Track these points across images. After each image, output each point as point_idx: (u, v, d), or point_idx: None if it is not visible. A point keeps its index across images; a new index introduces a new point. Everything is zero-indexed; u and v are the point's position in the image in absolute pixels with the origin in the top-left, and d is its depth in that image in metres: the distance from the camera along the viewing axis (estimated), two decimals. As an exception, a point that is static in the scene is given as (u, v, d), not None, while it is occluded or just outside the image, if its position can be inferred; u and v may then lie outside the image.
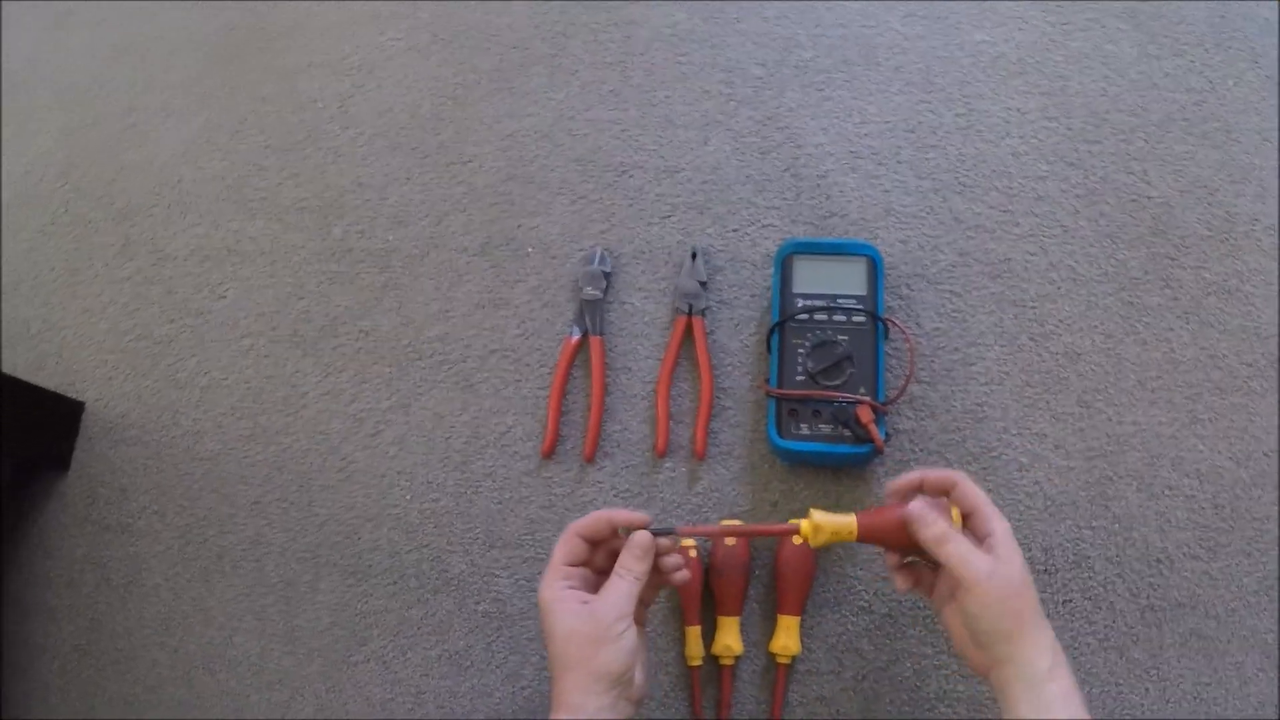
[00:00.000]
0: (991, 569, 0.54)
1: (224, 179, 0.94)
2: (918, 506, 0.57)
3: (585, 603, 0.57)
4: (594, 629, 0.55)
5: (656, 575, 0.61)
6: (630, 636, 0.56)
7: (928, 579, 0.61)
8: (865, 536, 0.58)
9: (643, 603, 0.60)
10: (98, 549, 0.84)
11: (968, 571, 0.54)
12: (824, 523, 0.58)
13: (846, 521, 0.58)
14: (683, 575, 0.61)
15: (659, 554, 0.60)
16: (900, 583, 0.61)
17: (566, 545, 0.60)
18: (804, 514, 0.72)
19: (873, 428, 0.69)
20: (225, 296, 0.89)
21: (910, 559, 0.61)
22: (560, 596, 0.57)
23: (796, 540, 0.60)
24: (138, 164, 0.97)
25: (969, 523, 0.58)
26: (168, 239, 0.92)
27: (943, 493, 0.60)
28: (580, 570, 0.60)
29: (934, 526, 0.56)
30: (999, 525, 0.56)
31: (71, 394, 0.88)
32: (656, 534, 0.59)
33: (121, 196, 0.96)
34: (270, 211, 0.91)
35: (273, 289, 0.88)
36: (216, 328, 0.88)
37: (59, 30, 1.07)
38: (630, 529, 0.59)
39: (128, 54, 1.03)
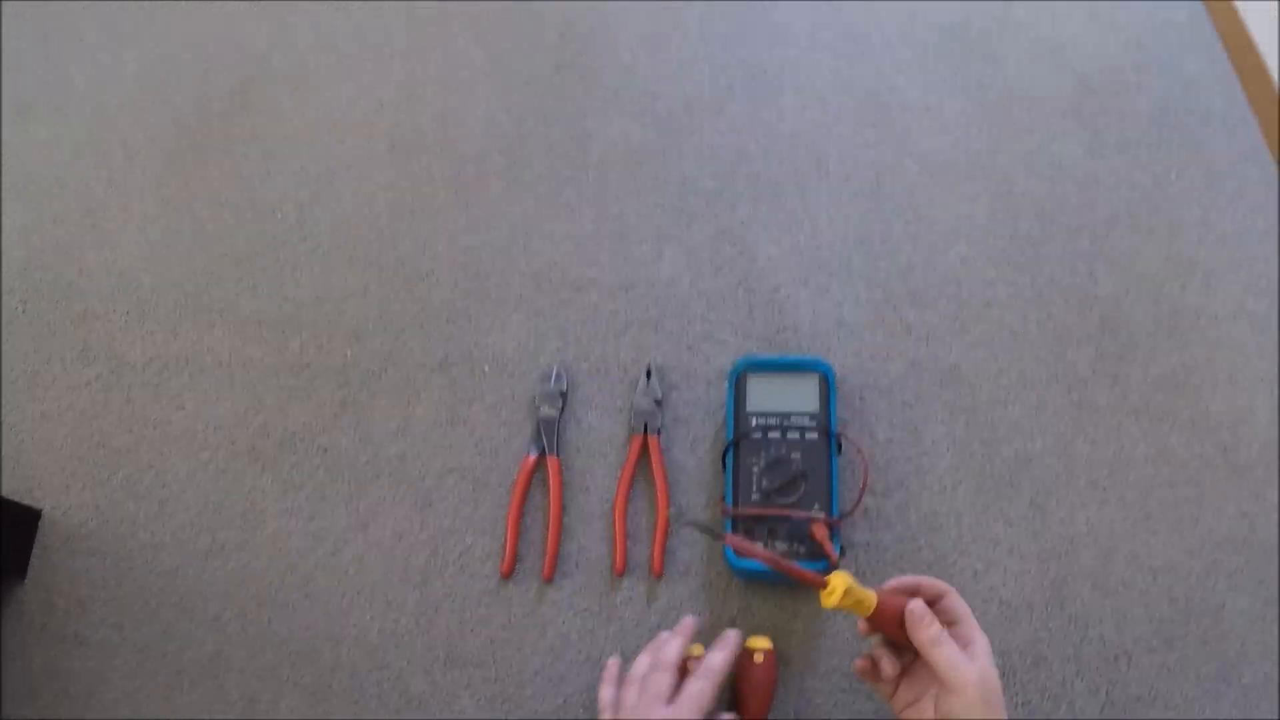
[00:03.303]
0: (980, 675, 0.57)
1: (182, 286, 0.93)
2: (919, 605, 0.60)
3: None
4: None
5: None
6: None
7: (889, 682, 0.63)
8: (876, 616, 0.61)
9: None
10: (56, 660, 0.83)
11: (957, 675, 0.57)
12: (852, 587, 0.59)
13: (868, 595, 0.60)
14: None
15: None
16: (860, 663, 0.64)
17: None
18: (762, 630, 0.74)
19: (828, 544, 0.70)
20: (184, 407, 0.88)
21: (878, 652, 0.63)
22: None
23: (823, 594, 0.59)
24: (98, 266, 0.96)
25: (952, 632, 0.60)
26: (127, 346, 0.92)
27: (932, 600, 0.63)
28: None
29: (930, 629, 0.59)
30: (981, 639, 0.60)
31: (28, 500, 0.87)
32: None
33: (80, 299, 0.95)
34: (228, 322, 0.91)
35: (230, 402, 0.88)
36: (175, 439, 0.87)
37: (20, 122, 1.07)
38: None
39: (89, 152, 1.03)
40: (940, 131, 0.90)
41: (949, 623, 0.61)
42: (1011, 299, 0.83)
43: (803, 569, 0.58)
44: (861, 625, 0.63)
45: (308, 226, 0.94)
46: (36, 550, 0.86)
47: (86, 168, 1.02)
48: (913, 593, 0.64)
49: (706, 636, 0.74)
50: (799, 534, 0.71)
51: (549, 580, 0.78)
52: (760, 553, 0.58)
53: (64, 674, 0.82)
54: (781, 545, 0.72)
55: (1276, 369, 0.80)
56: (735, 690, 0.71)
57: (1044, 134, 0.90)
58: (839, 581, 0.58)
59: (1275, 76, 0.92)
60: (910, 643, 0.61)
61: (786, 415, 0.75)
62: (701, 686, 0.65)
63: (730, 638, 0.70)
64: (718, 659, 0.68)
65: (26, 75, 1.10)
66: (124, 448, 0.88)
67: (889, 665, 0.62)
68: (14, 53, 1.12)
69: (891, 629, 0.61)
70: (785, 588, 0.75)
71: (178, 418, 0.88)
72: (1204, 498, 0.76)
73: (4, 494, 0.86)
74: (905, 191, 0.88)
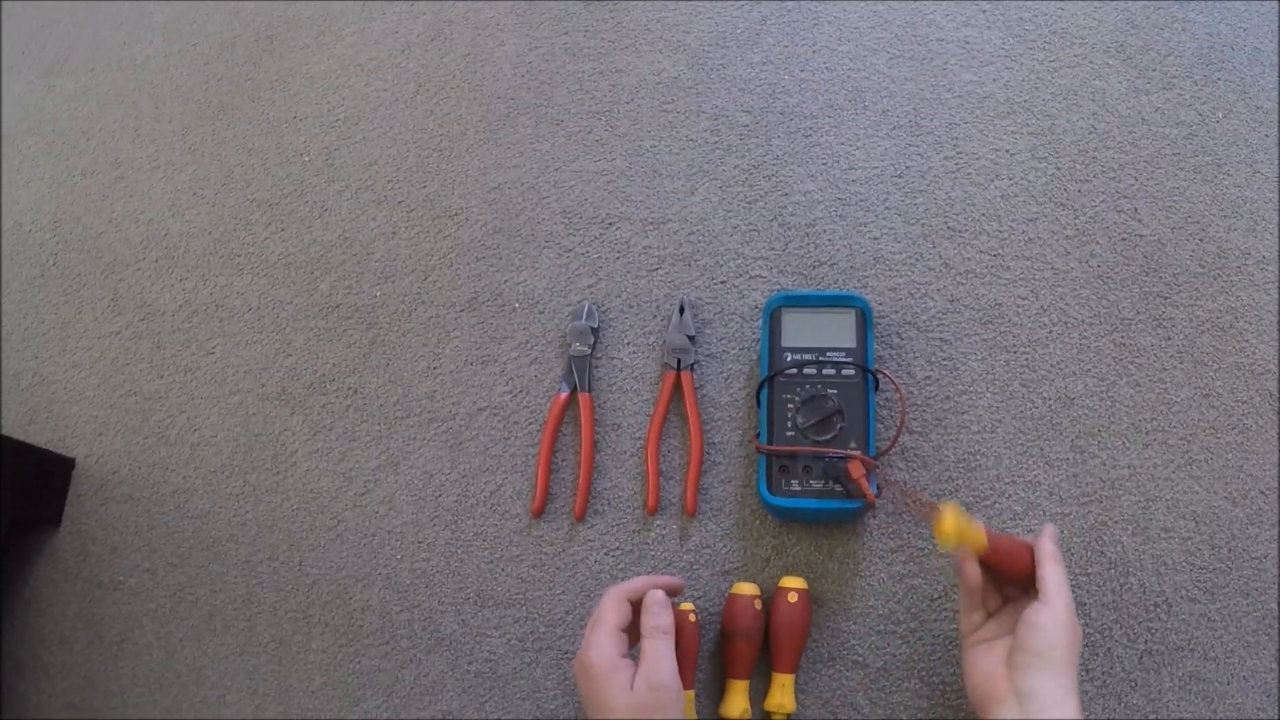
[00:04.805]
0: (1070, 599, 0.60)
1: (211, 233, 0.93)
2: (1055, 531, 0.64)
3: (636, 673, 0.60)
4: (655, 698, 0.58)
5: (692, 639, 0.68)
6: (683, 694, 0.61)
7: (975, 594, 0.65)
8: (990, 554, 0.63)
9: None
10: (90, 606, 0.84)
11: (1055, 586, 0.60)
12: (966, 527, 0.61)
13: (979, 534, 0.62)
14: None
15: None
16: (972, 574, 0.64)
17: (619, 608, 0.63)
18: (797, 570, 0.73)
19: (864, 483, 0.69)
20: (213, 352, 0.89)
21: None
22: (618, 664, 0.60)
23: (938, 535, 0.62)
24: (126, 216, 0.97)
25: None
26: (156, 293, 0.92)
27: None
28: (624, 636, 0.63)
29: (1055, 547, 0.63)
30: None
31: (62, 449, 0.88)
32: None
33: (110, 249, 0.96)
34: (257, 267, 0.91)
35: (260, 345, 0.88)
36: (205, 384, 0.88)
37: (49, 79, 1.07)
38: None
39: (117, 104, 1.03)
40: (980, 65, 0.88)
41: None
42: (1053, 236, 0.81)
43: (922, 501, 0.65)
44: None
45: (335, 169, 0.93)
46: (71, 498, 0.87)
47: (114, 119, 1.02)
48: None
49: (740, 575, 0.74)
50: (834, 473, 0.70)
51: (580, 519, 0.77)
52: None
53: (99, 620, 0.83)
54: (816, 483, 0.70)
55: (1326, 312, 0.77)
56: (768, 631, 0.70)
57: (1086, 69, 0.87)
58: (950, 524, 0.61)
59: (1328, 10, 0.89)
60: (1017, 583, 0.64)
61: (822, 351, 0.74)
62: (604, 604, 0.64)
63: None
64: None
65: (53, 31, 1.10)
66: (155, 394, 0.89)
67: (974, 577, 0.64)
68: (42, 9, 1.12)
69: (1013, 565, 0.63)
70: (821, 527, 0.74)
71: (207, 363, 0.88)
72: (1249, 444, 0.74)
73: (39, 444, 0.87)
74: (944, 126, 0.85)
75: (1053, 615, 0.59)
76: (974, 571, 0.63)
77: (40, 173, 1.01)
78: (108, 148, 1.01)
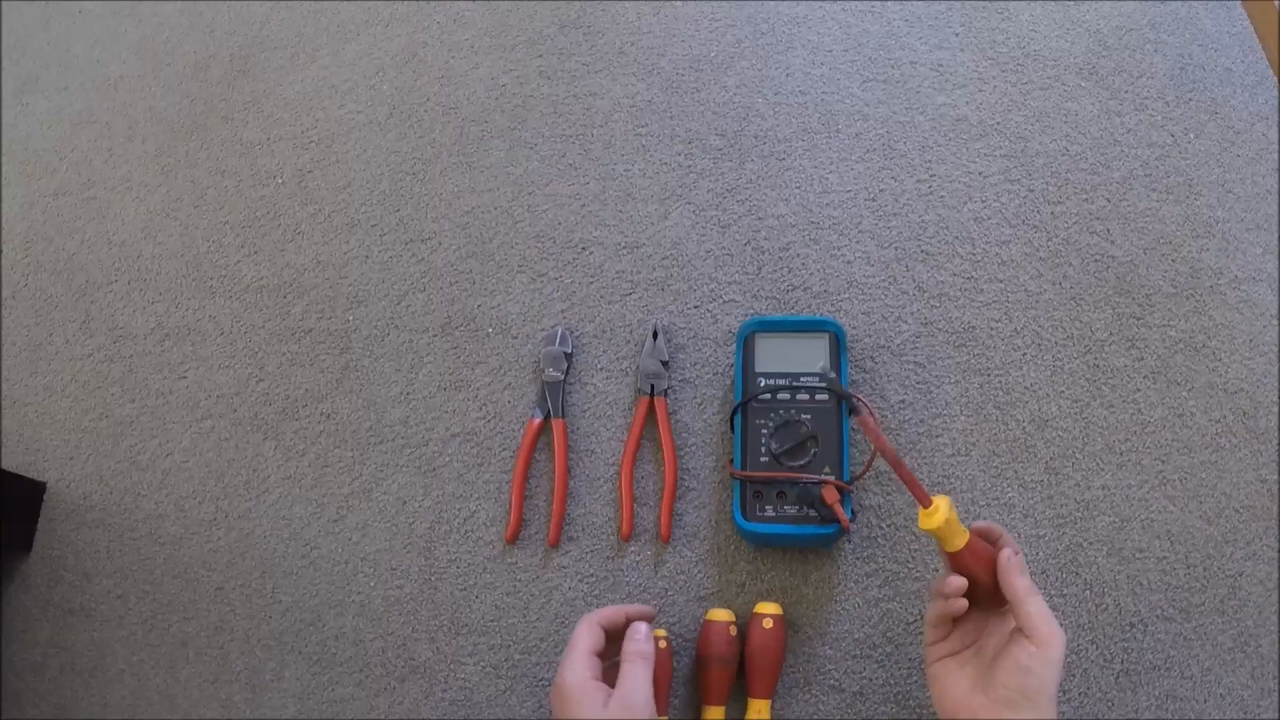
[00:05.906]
0: (1061, 635, 0.57)
1: (183, 255, 0.93)
2: (1014, 555, 0.61)
3: (610, 694, 0.60)
4: (629, 717, 0.59)
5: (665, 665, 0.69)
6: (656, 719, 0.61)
7: (943, 624, 0.63)
8: (964, 554, 0.60)
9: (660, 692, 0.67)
10: (61, 633, 0.82)
11: (1048, 628, 0.57)
12: (951, 517, 0.59)
13: (962, 531, 0.60)
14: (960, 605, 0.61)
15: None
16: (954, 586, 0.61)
17: (592, 633, 0.64)
18: (771, 596, 0.73)
19: (838, 508, 0.69)
20: (186, 377, 0.88)
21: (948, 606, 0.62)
22: (590, 686, 0.61)
23: (923, 514, 0.59)
24: (98, 238, 0.96)
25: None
26: (128, 316, 0.91)
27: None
28: (597, 660, 0.63)
29: (1025, 578, 0.59)
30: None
31: (33, 473, 0.87)
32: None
33: (81, 271, 0.95)
34: (230, 290, 0.90)
35: (233, 369, 0.87)
36: (177, 409, 0.87)
37: (22, 97, 1.06)
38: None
39: (90, 124, 1.02)
40: (953, 88, 0.88)
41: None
42: (1026, 258, 0.81)
43: (915, 480, 0.59)
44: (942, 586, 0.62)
45: (308, 192, 0.93)
46: (42, 523, 0.86)
47: (87, 140, 1.01)
48: (986, 536, 0.64)
49: (714, 601, 0.74)
50: (808, 498, 0.70)
51: (554, 546, 0.77)
52: (883, 443, 0.59)
53: (70, 646, 0.82)
54: (791, 509, 0.70)
55: (1297, 332, 0.78)
56: (744, 657, 0.70)
57: (1059, 91, 0.88)
58: (943, 504, 0.59)
59: (1296, 32, 0.89)
60: (987, 591, 0.61)
61: (796, 376, 0.74)
62: (578, 629, 0.64)
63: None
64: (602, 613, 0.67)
65: (27, 49, 1.09)
66: (127, 418, 0.88)
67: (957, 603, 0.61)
68: (15, 27, 1.12)
69: (974, 571, 0.60)
70: (795, 552, 0.74)
71: (180, 387, 0.88)
72: (1222, 463, 0.74)
73: (9, 468, 0.86)
74: (917, 149, 0.86)
75: (1045, 660, 0.56)
76: (958, 584, 0.61)
77: (12, 193, 1.01)
78: (80, 168, 1.00)
